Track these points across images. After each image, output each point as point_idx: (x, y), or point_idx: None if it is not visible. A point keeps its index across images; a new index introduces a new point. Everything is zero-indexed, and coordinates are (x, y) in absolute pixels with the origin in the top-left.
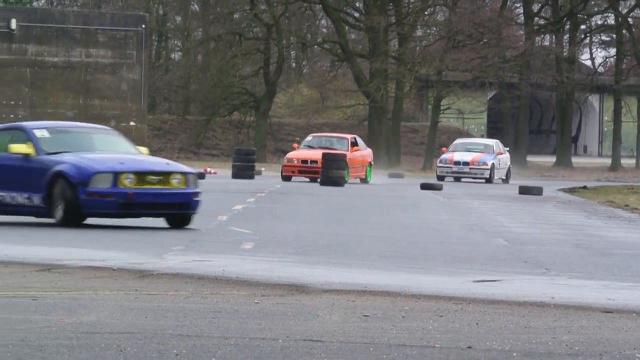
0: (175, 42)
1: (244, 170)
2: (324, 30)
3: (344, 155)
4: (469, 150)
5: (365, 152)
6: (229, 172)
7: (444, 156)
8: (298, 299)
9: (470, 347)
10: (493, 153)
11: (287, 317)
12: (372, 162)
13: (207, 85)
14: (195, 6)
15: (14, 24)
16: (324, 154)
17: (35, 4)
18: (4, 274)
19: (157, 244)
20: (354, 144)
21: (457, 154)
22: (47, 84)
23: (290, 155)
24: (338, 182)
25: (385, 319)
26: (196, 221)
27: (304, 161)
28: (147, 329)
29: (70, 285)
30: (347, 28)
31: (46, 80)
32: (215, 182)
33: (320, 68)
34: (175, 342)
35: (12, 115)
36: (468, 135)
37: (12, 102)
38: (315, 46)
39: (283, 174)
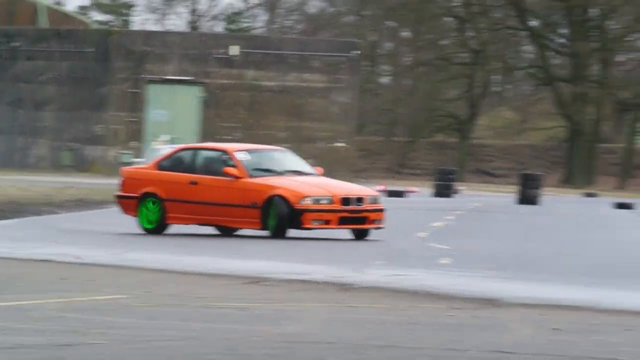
0: (385, 67)
1: (445, 189)
2: (528, 55)
3: (539, 175)
4: None
5: None
6: (430, 190)
7: None
8: (490, 312)
9: None
10: None
11: (479, 329)
12: None
13: (414, 108)
14: (406, 33)
15: (236, 50)
16: (520, 174)
17: (255, 31)
18: (215, 286)
19: (358, 259)
20: None
21: None
22: (263, 107)
23: None
24: (533, 200)
25: (573, 332)
26: (396, 237)
27: None
28: (347, 339)
29: (276, 298)
30: (550, 53)
31: (262, 103)
32: (417, 200)
33: (523, 92)
34: (372, 352)
35: (229, 137)
36: None
37: (230, 124)
38: (519, 70)
39: None
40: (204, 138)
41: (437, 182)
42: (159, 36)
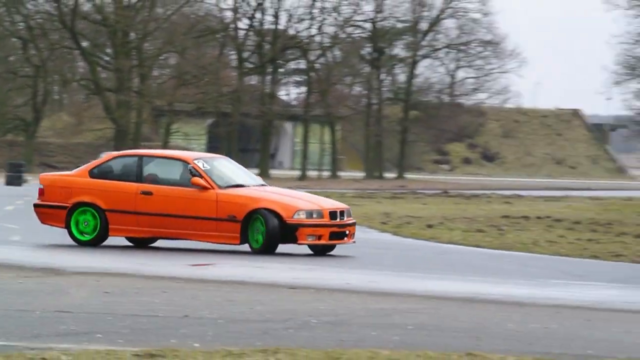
0: None
1: (15, 179)
2: (81, 70)
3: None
4: None
5: None
6: (2, 180)
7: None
8: (54, 279)
9: (186, 316)
10: None
11: (44, 293)
12: None
13: None
14: None
15: None
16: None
17: None
18: None
19: None
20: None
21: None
22: None
23: None
24: None
25: (121, 294)
26: None
27: None
28: None
29: None
30: (99, 68)
31: None
32: None
33: (78, 99)
34: None
35: None
36: None
37: None
38: (74, 82)
39: None
40: None
41: (9, 174)
42: None
